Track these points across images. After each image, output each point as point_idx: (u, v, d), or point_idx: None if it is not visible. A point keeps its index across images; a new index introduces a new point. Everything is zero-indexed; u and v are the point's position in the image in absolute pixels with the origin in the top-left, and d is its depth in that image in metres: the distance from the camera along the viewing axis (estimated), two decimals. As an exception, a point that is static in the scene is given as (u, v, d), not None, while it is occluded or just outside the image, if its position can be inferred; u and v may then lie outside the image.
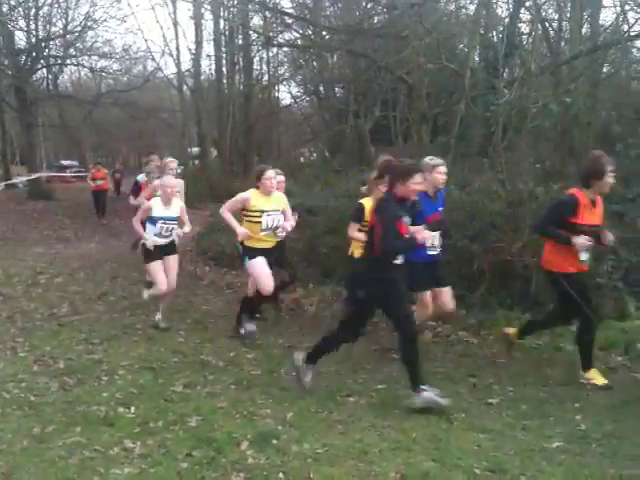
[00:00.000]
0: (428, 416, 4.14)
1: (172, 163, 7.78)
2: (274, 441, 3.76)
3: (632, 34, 12.16)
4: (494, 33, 13.49)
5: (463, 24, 13.89)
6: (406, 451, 3.63)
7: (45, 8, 24.83)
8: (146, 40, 49.87)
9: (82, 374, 5.06)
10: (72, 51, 26.65)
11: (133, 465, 3.51)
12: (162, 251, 6.54)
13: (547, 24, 15.33)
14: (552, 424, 4.03)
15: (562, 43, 15.25)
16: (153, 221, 6.43)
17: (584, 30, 13.60)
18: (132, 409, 4.31)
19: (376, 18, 15.26)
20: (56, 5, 24.94)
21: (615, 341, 5.59)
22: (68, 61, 28.08)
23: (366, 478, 3.32)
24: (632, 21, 12.33)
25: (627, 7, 12.51)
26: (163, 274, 6.49)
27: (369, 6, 14.55)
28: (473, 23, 12.23)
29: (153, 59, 34.76)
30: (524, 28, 14.72)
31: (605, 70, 14.49)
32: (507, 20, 13.12)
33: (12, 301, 7.84)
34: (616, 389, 4.71)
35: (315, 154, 19.97)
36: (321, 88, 21.73)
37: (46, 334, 6.34)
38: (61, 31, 25.74)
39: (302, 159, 20.10)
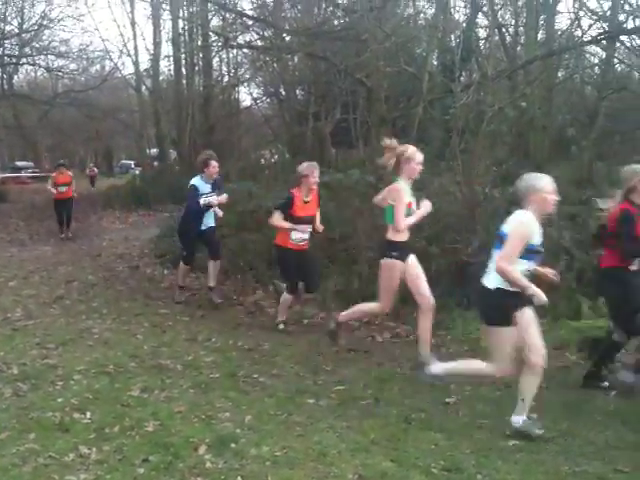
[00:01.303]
0: (387, 417, 4.17)
1: None
2: (232, 445, 3.73)
3: (585, 39, 12.51)
4: (452, 37, 13.71)
5: (421, 28, 14.07)
6: (364, 452, 3.64)
7: (-1, 6, 24.26)
8: (103, 40, 49.01)
9: (36, 379, 4.93)
10: (28, 50, 26.15)
11: (89, 471, 3.43)
12: None
13: (503, 29, 15.67)
14: (508, 423, 4.07)
15: (518, 48, 15.61)
16: None
17: (539, 35, 13.95)
18: (88, 414, 4.22)
19: (336, 21, 15.35)
20: (11, 3, 24.39)
21: (569, 340, 5.72)
22: (24, 60, 27.53)
23: (325, 480, 3.32)
24: (586, 27, 12.71)
25: (581, 13, 12.88)
26: None
27: (329, 9, 14.62)
28: (431, 27, 12.41)
29: (110, 59, 34.18)
30: (481, 33, 15.04)
31: (560, 75, 14.86)
32: (464, 25, 13.37)
33: (-37, 306, 7.62)
34: (570, 388, 4.82)
35: (276, 156, 19.89)
36: (281, 90, 21.68)
37: (-1, 339, 6.17)
38: (16, 30, 25.22)
39: (263, 160, 19.99)
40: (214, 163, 7.51)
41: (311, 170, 6.40)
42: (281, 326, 6.61)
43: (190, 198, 7.53)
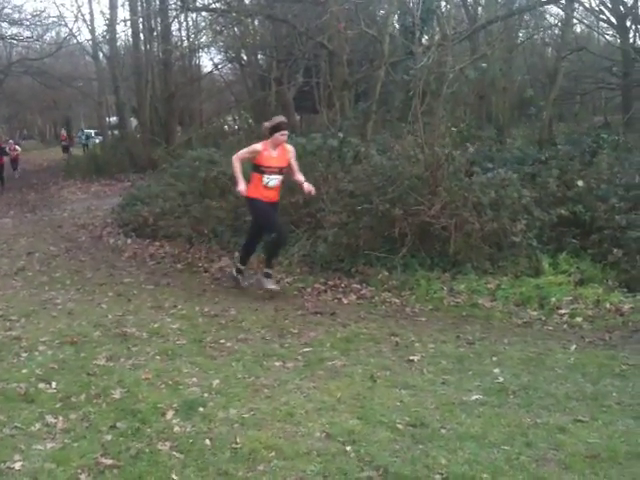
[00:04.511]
0: (353, 376, 4.23)
1: None
2: (200, 409, 3.75)
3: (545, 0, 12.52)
4: (412, -2, 13.57)
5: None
6: (331, 411, 3.69)
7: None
8: (57, 5, 47.31)
9: (0, 351, 4.88)
10: (-21, 18, 25.16)
11: (55, 440, 3.42)
12: None
13: (464, -11, 15.58)
14: (471, 378, 4.17)
15: (479, 9, 15.56)
16: None
17: (500, -4, 13.88)
18: (53, 384, 4.19)
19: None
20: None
21: (530, 296, 5.84)
22: (-25, 29, 26.49)
23: (292, 439, 3.36)
24: (545, -13, 12.68)
25: (543, -27, 12.85)
26: None
27: (288, -30, 14.32)
28: (392, -12, 12.26)
29: (66, 25, 33.13)
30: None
31: (520, 35, 14.91)
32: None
33: None
34: (531, 342, 4.94)
35: (239, 122, 19.67)
36: (243, 55, 21.33)
37: (-40, 313, 6.07)
38: (-34, -3, 24.23)
39: (226, 127, 19.75)
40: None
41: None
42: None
43: None
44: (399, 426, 3.48)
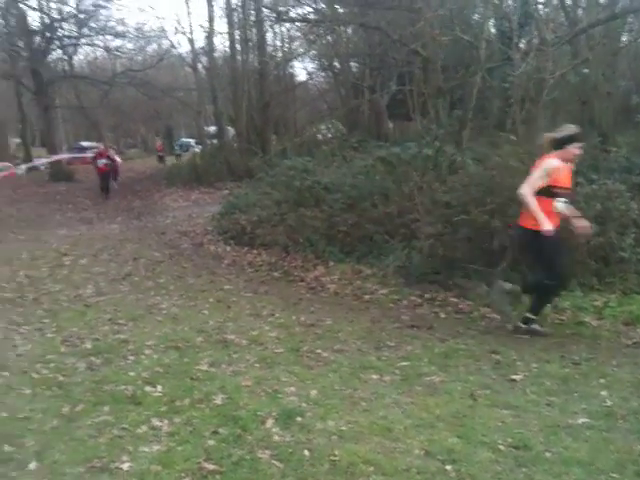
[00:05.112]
0: (452, 393, 4.16)
1: None
2: (298, 419, 3.80)
3: (651, 1, 11.86)
4: (509, 2, 13.24)
5: (477, -6, 13.65)
6: (430, 428, 3.65)
7: (56, -14, 24.82)
8: (159, 18, 49.52)
9: (109, 354, 5.14)
10: (86, 31, 26.70)
11: (161, 443, 3.56)
12: None
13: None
14: (577, 400, 4.00)
15: (579, 11, 14.92)
16: None
17: (601, -3, 13.29)
18: (159, 388, 4.37)
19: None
20: (67, -15, 24.92)
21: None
22: (82, 41, 28.16)
23: (391, 455, 3.35)
24: (650, -13, 12.03)
25: (645, -27, 12.20)
26: None
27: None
28: (487, -8, 12.00)
29: (167, 37, 34.57)
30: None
31: (624, 39, 14.19)
32: (521, -12, 12.87)
33: (38, 283, 7.98)
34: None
35: (332, 130, 19.83)
36: (336, 63, 21.53)
37: (72, 315, 6.44)
38: (74, 10, 25.76)
39: (319, 136, 19.95)
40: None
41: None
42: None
43: None
44: (501, 447, 3.40)
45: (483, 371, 4.58)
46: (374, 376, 4.54)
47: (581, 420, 3.71)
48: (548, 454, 3.31)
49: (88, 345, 5.40)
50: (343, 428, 3.67)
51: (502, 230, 6.33)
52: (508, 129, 8.57)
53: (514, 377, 4.43)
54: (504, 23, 12.12)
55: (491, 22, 12.75)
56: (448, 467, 3.19)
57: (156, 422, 3.83)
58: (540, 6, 13.20)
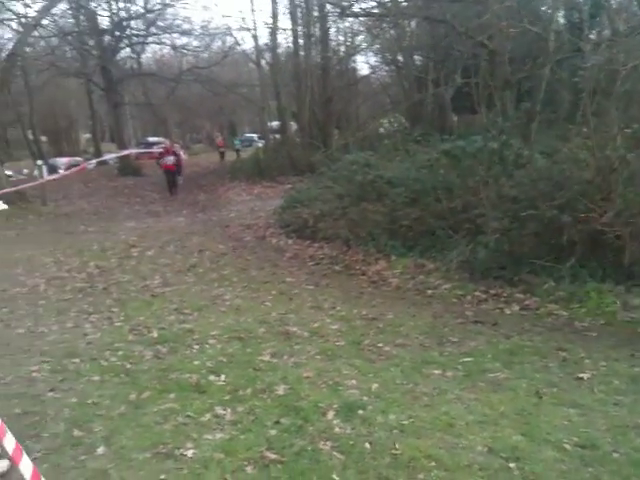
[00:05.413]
0: (516, 390, 4.07)
1: None
2: (360, 411, 3.80)
3: None
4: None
5: (546, -16, 13.24)
6: (493, 425, 3.59)
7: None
8: (223, 16, 50.33)
9: (174, 343, 5.27)
10: (153, 29, 27.39)
11: (224, 431, 3.63)
12: None
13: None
14: (647, 399, 3.87)
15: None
16: None
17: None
18: (222, 377, 4.46)
19: (454, -18, 14.74)
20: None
21: None
22: (150, 39, 28.90)
23: (453, 451, 3.31)
24: None
25: None
26: None
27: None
28: (557, -17, 11.63)
29: (231, 35, 35.03)
30: (612, -15, 13.86)
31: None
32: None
33: (107, 273, 8.26)
34: None
35: (395, 124, 19.65)
36: (399, 57, 21.33)
37: (140, 304, 6.65)
38: (141, 10, 26.47)
39: (382, 130, 19.82)
40: None
41: None
42: None
43: None
44: (566, 446, 3.32)
45: (549, 369, 4.47)
46: (436, 371, 4.49)
47: (651, 421, 3.57)
48: (616, 454, 3.21)
49: (155, 334, 5.55)
50: (404, 422, 3.65)
51: (571, 225, 6.15)
52: (578, 122, 8.28)
53: (581, 375, 4.30)
54: (574, 14, 11.74)
55: (560, 13, 12.37)
56: (512, 465, 3.14)
57: (220, 410, 3.91)
58: (612, -5, 12.72)
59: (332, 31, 23.83)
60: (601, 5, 11.29)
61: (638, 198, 6.14)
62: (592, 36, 11.37)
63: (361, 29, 22.45)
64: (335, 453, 3.33)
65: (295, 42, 22.84)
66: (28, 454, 2.82)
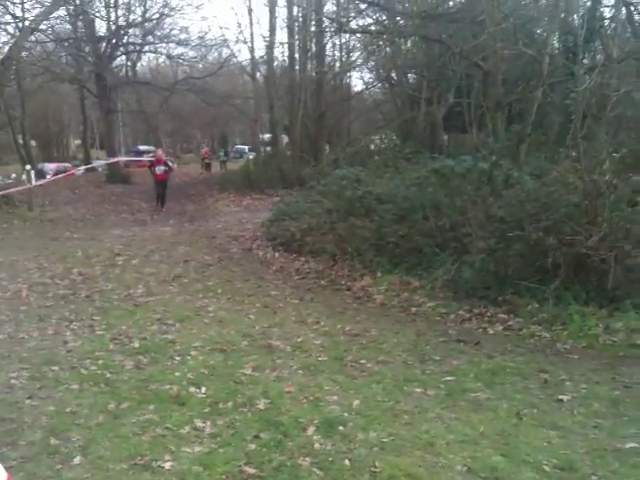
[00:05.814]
0: (497, 410, 4.07)
1: None
2: (340, 428, 3.79)
3: None
4: (574, 17, 12.98)
5: (541, 8, 13.42)
6: (473, 444, 3.58)
7: (125, -4, 25.64)
8: (221, 27, 50.56)
9: (155, 353, 5.24)
10: (150, 38, 27.47)
11: (203, 444, 3.60)
12: None
13: (631, 7, 14.60)
14: (626, 424, 3.87)
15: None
16: None
17: (671, 12, 12.87)
18: (203, 389, 4.43)
19: (451, 2, 14.97)
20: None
21: None
22: (146, 48, 28.99)
23: (432, 469, 3.30)
24: None
25: None
26: None
27: (444, -10, 14.27)
28: (552, 7, 11.80)
29: (228, 46, 35.14)
30: (606, 12, 14.09)
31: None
32: (588, 3, 12.62)
33: (91, 281, 8.19)
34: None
35: (386, 141, 19.78)
36: (393, 74, 21.49)
37: (122, 313, 6.59)
38: (140, 19, 26.56)
39: (372, 146, 19.92)
40: None
41: None
42: None
43: None
44: (546, 468, 3.33)
45: (530, 390, 4.47)
46: (418, 389, 4.49)
47: (630, 445, 3.59)
48: (594, 477, 3.23)
49: (136, 344, 5.51)
50: (385, 440, 3.64)
51: (557, 247, 6.18)
52: (568, 145, 8.36)
53: (562, 397, 4.31)
54: (569, 38, 11.89)
55: (555, 37, 12.53)
56: (491, 485, 3.13)
57: (199, 423, 3.88)
58: (606, 21, 12.92)
59: (328, 46, 24.03)
60: (596, 30, 11.45)
61: (623, 223, 6.20)
62: (586, 61, 11.51)
63: (357, 45, 22.70)
64: (314, 469, 3.31)
65: (291, 56, 22.98)
66: (3, 462, 2.78)
